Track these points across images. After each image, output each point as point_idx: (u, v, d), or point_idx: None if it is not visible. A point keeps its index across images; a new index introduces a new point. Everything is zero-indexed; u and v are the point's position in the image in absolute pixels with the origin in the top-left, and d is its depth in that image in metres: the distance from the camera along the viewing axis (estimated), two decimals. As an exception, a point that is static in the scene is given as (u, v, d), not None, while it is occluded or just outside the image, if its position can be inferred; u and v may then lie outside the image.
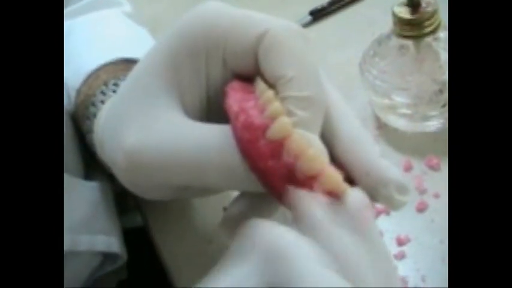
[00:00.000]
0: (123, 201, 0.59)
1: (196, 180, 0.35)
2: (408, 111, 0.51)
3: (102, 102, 0.44)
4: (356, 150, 0.34)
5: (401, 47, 0.52)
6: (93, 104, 0.45)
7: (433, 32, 0.51)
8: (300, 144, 0.32)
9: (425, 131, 0.52)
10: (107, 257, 0.51)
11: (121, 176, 0.38)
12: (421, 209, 0.46)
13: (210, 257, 0.46)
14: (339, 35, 0.67)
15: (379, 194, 0.33)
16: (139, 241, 0.55)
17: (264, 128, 0.32)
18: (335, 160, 0.34)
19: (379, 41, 0.54)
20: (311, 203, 0.31)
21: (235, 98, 0.35)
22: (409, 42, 0.51)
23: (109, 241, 0.49)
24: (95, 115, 0.44)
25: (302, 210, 0.31)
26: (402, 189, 0.33)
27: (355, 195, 0.31)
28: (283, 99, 0.34)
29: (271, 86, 0.35)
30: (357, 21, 0.68)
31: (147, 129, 0.36)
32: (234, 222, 0.34)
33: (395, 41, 0.52)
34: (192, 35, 0.36)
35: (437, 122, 0.51)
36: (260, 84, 0.35)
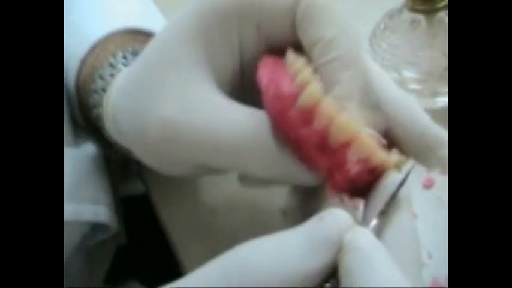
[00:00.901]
0: (126, 169, 0.58)
1: (228, 163, 0.35)
2: (417, 87, 0.51)
3: (112, 75, 0.43)
4: (408, 113, 0.34)
5: (413, 21, 0.51)
6: (101, 77, 0.43)
7: (445, 7, 0.50)
8: (331, 110, 0.31)
9: (434, 107, 0.51)
10: (97, 225, 0.50)
11: (146, 148, 0.38)
12: (428, 185, 0.46)
13: (215, 231, 0.46)
14: (347, 9, 0.66)
15: (434, 155, 0.33)
16: (142, 208, 0.55)
17: (295, 97, 0.31)
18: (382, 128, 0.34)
19: (391, 15, 0.53)
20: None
21: (267, 71, 0.34)
22: (421, 17, 0.51)
23: (96, 210, 0.48)
24: (103, 89, 0.43)
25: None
26: None
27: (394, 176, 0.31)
28: (322, 64, 0.33)
29: (305, 56, 0.34)
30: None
31: (185, 103, 0.35)
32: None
33: (407, 15, 0.51)
34: (222, 2, 0.35)
35: (446, 98, 0.51)
36: (291, 55, 0.34)
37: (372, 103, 0.34)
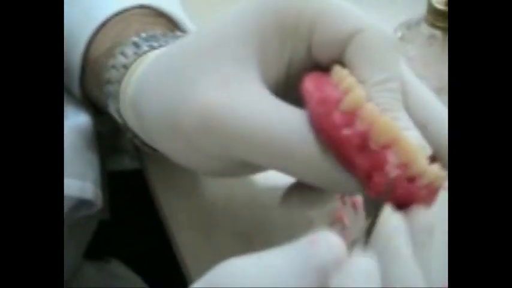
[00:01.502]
0: (115, 145, 0.58)
1: (270, 161, 0.34)
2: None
3: (136, 54, 0.42)
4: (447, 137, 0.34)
5: (431, 36, 0.52)
6: (124, 54, 0.42)
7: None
8: (374, 112, 0.32)
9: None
10: (82, 201, 0.48)
11: (174, 138, 0.37)
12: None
13: (212, 219, 0.46)
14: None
15: None
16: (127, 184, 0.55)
17: (338, 101, 0.32)
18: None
19: (408, 25, 0.55)
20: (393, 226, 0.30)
21: (312, 81, 0.34)
22: (439, 33, 0.52)
23: (83, 187, 0.46)
24: (124, 66, 0.41)
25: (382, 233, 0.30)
26: None
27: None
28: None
29: None
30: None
31: (231, 91, 0.34)
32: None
33: (426, 29, 0.53)
34: (284, 9, 0.35)
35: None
36: (337, 67, 0.35)
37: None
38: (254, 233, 0.46)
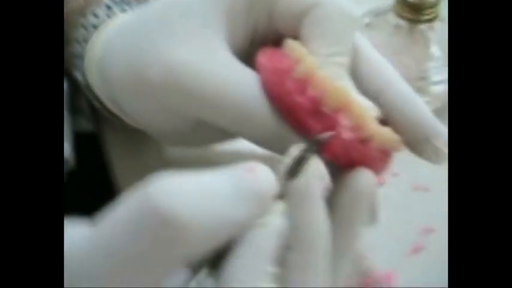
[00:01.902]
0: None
1: (227, 120, 0.35)
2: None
3: (108, 16, 0.42)
4: (408, 101, 0.35)
5: (397, 26, 0.53)
6: (95, 15, 0.42)
7: (430, 21, 0.52)
8: (325, 78, 0.33)
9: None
10: None
11: (139, 94, 0.37)
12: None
13: None
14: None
15: (429, 144, 0.35)
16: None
17: (291, 70, 0.33)
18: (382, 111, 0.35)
19: (377, 13, 0.55)
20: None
21: (265, 55, 0.35)
22: (405, 24, 0.53)
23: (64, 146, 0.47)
24: (94, 26, 0.42)
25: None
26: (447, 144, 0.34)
27: (366, 176, 0.32)
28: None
29: None
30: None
31: (196, 51, 0.35)
32: None
33: (393, 19, 0.53)
34: None
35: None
36: (288, 40, 0.36)
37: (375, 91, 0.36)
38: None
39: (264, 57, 0.35)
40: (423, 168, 0.49)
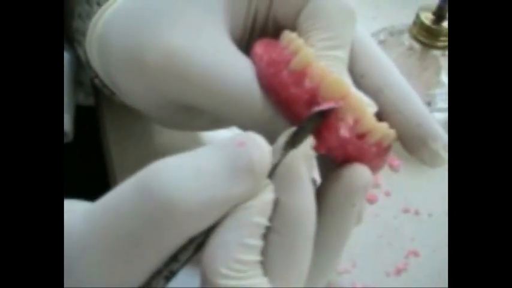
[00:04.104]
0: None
1: (221, 109, 0.35)
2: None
3: None
4: (409, 102, 0.35)
5: (411, 48, 0.53)
6: None
7: (444, 48, 0.53)
8: (322, 70, 0.32)
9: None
10: None
11: (136, 76, 0.36)
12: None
13: None
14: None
15: (427, 147, 0.34)
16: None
17: (287, 61, 0.33)
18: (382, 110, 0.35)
19: (392, 32, 0.56)
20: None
21: (261, 46, 0.35)
22: (419, 47, 0.53)
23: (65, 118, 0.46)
24: (98, 3, 0.41)
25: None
26: (446, 148, 0.34)
27: (362, 171, 0.32)
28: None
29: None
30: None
31: (194, 36, 0.35)
32: None
33: (407, 40, 0.54)
34: None
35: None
36: (286, 32, 0.35)
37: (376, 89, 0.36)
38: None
39: (260, 47, 0.35)
40: (416, 191, 0.50)
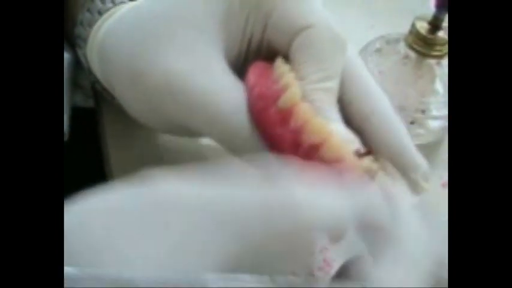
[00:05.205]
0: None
1: (214, 137, 0.36)
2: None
3: (113, 2, 0.42)
4: (392, 131, 0.36)
5: (406, 56, 0.54)
6: (102, 1, 0.43)
7: (439, 57, 0.53)
8: (308, 112, 0.34)
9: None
10: None
11: (135, 92, 0.38)
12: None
13: None
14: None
15: (407, 176, 0.36)
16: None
17: (276, 97, 0.34)
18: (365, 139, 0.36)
19: (388, 40, 0.56)
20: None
21: (255, 73, 0.36)
22: (414, 56, 0.54)
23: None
24: (100, 12, 0.42)
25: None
26: (426, 177, 0.36)
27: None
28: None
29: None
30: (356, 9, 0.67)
31: (193, 61, 0.36)
32: None
33: (403, 48, 0.54)
34: None
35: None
36: (279, 61, 0.37)
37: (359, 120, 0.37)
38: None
39: (253, 75, 0.36)
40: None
